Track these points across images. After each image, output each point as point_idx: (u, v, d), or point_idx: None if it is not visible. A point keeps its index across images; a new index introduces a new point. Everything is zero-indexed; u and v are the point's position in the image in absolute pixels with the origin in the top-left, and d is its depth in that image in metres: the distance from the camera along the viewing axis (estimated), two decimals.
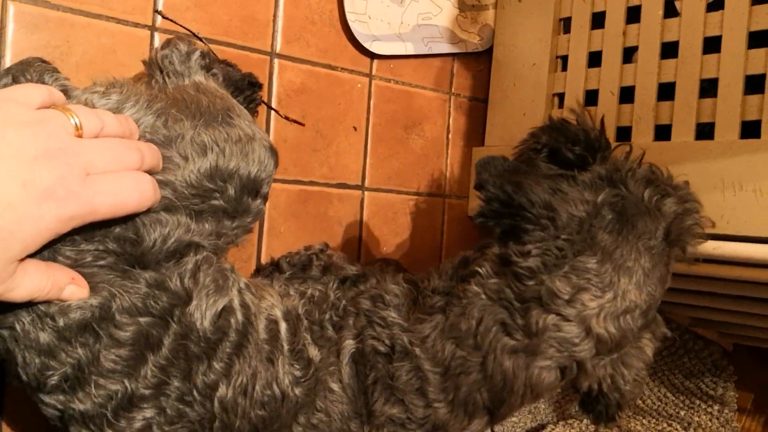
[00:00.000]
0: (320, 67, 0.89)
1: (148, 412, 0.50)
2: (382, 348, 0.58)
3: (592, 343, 0.55)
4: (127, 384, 0.49)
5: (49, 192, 0.41)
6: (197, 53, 0.66)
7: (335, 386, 0.58)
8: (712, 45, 0.75)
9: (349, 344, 0.59)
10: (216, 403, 0.52)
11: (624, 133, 0.82)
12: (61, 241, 0.47)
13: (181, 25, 0.76)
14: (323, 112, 0.89)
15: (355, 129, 0.92)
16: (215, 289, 0.54)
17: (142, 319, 0.50)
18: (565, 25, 0.92)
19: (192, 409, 0.51)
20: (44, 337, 0.48)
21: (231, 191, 0.56)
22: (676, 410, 1.01)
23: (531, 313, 0.55)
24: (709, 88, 0.75)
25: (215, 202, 0.55)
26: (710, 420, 1.00)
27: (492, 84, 1.02)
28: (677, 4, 0.79)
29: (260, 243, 0.83)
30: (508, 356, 0.55)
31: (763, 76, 0.70)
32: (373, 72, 0.94)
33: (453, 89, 1.02)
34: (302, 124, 0.87)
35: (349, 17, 0.89)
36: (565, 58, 0.91)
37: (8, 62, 0.67)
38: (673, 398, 1.03)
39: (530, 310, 0.55)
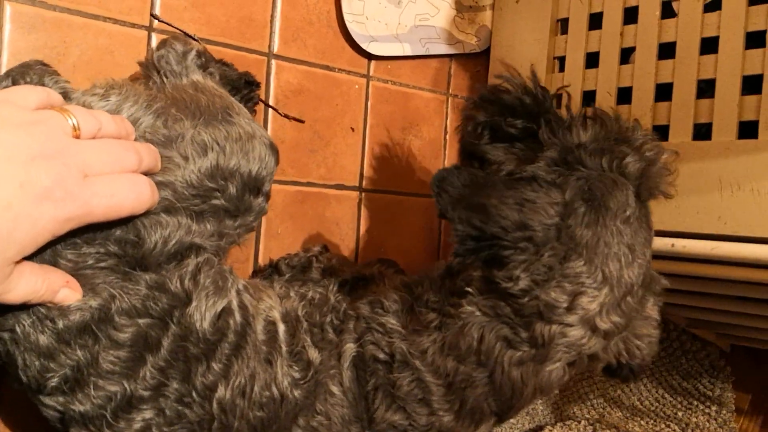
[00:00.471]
0: (318, 68, 0.89)
1: (147, 414, 0.50)
2: (381, 355, 0.58)
3: (600, 338, 0.55)
4: (126, 385, 0.49)
5: (47, 193, 0.41)
6: (193, 52, 0.65)
7: (336, 389, 0.58)
8: (709, 46, 0.75)
9: (350, 347, 0.59)
10: (215, 405, 0.52)
11: None
12: (62, 244, 0.47)
13: (176, 28, 0.76)
14: (321, 113, 0.89)
15: (353, 130, 0.92)
16: (215, 291, 0.54)
17: (141, 321, 0.50)
18: (563, 25, 0.92)
19: (191, 411, 0.51)
20: (44, 339, 0.48)
21: (232, 190, 0.56)
22: (674, 411, 1.02)
23: (534, 327, 0.54)
24: (706, 88, 0.75)
25: (216, 201, 0.55)
26: (708, 421, 1.00)
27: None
28: (674, 5, 0.79)
29: (258, 244, 0.83)
30: (516, 367, 0.55)
31: (760, 76, 0.70)
32: (371, 73, 0.94)
33: (450, 90, 1.02)
34: (302, 121, 0.87)
35: (347, 18, 0.89)
36: (562, 59, 0.91)
37: (5, 63, 0.66)
38: (671, 399, 1.03)
39: (533, 324, 0.54)
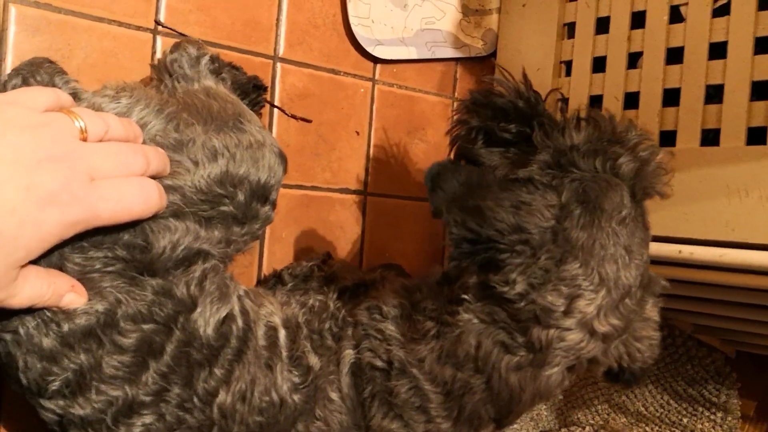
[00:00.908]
0: (323, 72, 0.88)
1: (148, 419, 0.50)
2: (379, 363, 0.58)
3: (599, 341, 0.55)
4: (127, 390, 0.49)
5: (53, 197, 0.41)
6: (207, 57, 0.65)
7: (334, 395, 0.58)
8: (718, 51, 0.74)
9: (349, 354, 0.59)
10: (215, 410, 0.52)
11: None
12: (70, 247, 0.47)
13: (181, 34, 0.76)
14: (326, 117, 0.88)
15: (358, 133, 0.92)
16: (219, 297, 0.54)
17: (145, 326, 0.49)
18: (570, 30, 0.92)
19: (191, 416, 0.51)
20: (47, 342, 0.47)
21: (240, 197, 0.56)
22: (679, 417, 1.01)
23: (531, 331, 0.53)
24: (714, 94, 0.74)
25: (224, 208, 0.55)
26: (713, 427, 0.99)
27: None
28: (682, 10, 0.79)
29: (262, 248, 0.83)
30: (514, 373, 0.55)
31: None
32: (376, 76, 0.93)
33: (456, 94, 1.02)
34: (309, 121, 0.86)
35: (353, 21, 0.89)
36: (569, 63, 0.91)
37: (9, 65, 0.66)
38: (676, 405, 1.02)
39: (530, 328, 0.53)
